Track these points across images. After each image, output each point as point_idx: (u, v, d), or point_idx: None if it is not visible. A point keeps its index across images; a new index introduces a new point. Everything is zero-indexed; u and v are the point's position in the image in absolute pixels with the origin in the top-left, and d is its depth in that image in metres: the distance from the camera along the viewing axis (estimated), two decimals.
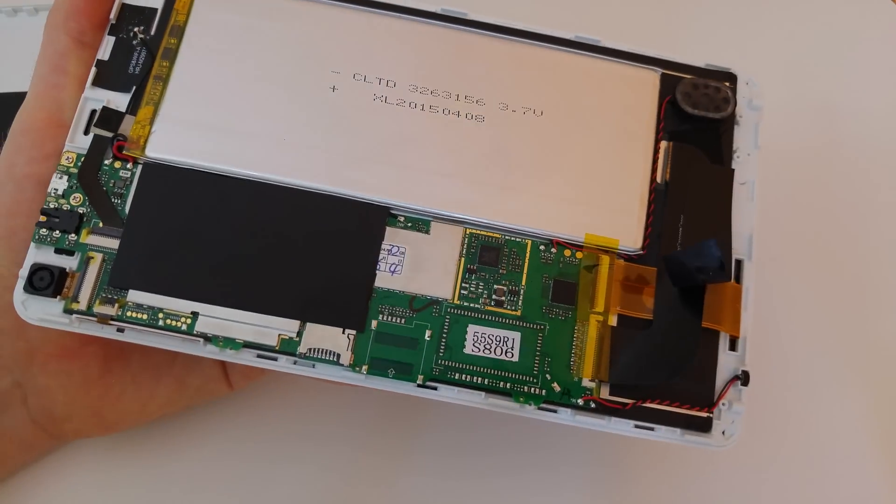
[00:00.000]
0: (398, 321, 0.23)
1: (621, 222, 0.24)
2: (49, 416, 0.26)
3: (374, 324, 0.23)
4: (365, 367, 0.23)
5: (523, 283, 0.24)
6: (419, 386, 0.23)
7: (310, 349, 0.23)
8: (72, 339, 0.26)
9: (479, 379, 0.23)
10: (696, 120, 0.26)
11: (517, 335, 0.23)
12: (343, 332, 0.23)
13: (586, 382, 0.23)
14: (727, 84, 0.26)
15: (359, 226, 0.24)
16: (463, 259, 0.24)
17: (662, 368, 0.23)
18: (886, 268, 0.35)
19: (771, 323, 0.33)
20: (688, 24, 0.38)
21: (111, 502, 0.29)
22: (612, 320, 0.24)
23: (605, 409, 0.23)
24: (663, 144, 0.26)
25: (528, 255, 0.24)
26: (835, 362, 0.33)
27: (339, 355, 0.23)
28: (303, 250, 0.24)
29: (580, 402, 0.23)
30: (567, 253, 0.24)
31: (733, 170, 0.25)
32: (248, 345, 0.23)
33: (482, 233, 0.24)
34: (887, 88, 0.39)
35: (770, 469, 0.31)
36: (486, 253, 0.24)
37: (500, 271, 0.24)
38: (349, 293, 0.23)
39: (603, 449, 0.31)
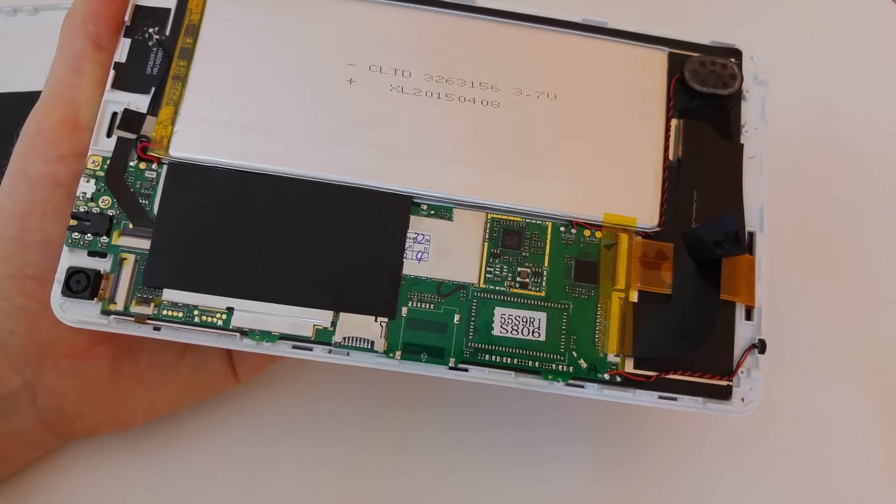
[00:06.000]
0: (427, 307, 0.24)
1: (637, 200, 0.25)
2: (59, 415, 0.27)
3: (404, 310, 0.24)
4: (398, 353, 0.24)
5: (546, 264, 0.25)
6: (451, 368, 0.24)
7: (344, 338, 0.24)
8: (82, 339, 0.26)
9: (509, 359, 0.24)
10: (705, 97, 0.26)
11: (543, 315, 0.24)
12: (375, 320, 0.24)
13: (611, 357, 0.24)
14: (733, 60, 0.27)
15: (383, 216, 0.25)
16: (486, 244, 0.25)
17: (684, 340, 0.24)
18: (887, 267, 0.36)
19: (779, 316, 0.32)
20: (689, 27, 0.38)
21: (112, 498, 0.29)
22: (634, 296, 0.24)
23: (630, 382, 0.24)
24: (674, 122, 0.26)
25: (549, 236, 0.25)
26: (838, 367, 0.34)
27: (372, 342, 0.24)
28: (331, 242, 0.24)
29: (606, 376, 0.24)
30: (587, 233, 0.25)
31: (742, 144, 0.26)
32: (284, 337, 0.24)
33: (503, 217, 0.25)
34: (887, 88, 0.39)
35: (775, 439, 0.32)
36: (509, 237, 0.25)
37: (523, 254, 0.25)
38: (379, 282, 0.24)
39: (607, 420, 0.32)
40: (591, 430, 0.31)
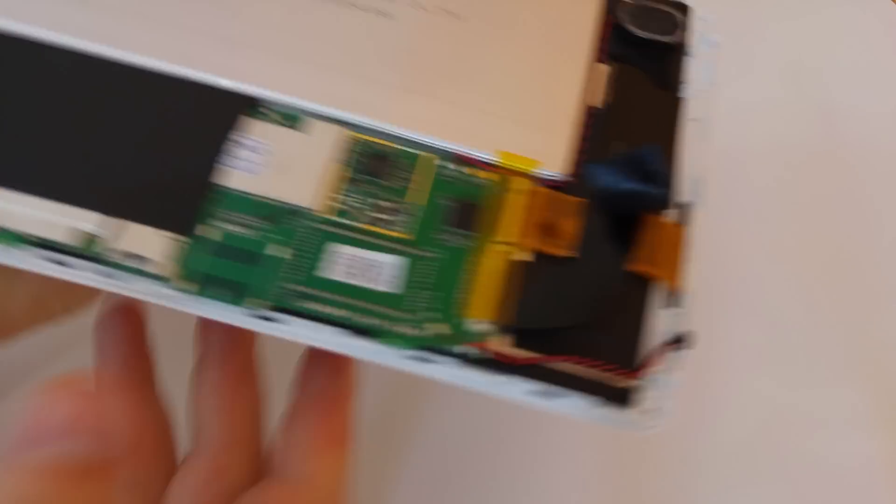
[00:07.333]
0: (245, 231, 0.18)
1: (545, 142, 0.20)
2: None
3: (211, 231, 0.18)
4: (192, 284, 0.17)
5: (415, 200, 0.19)
6: (255, 317, 0.17)
7: (120, 253, 0.17)
8: None
9: (339, 311, 0.17)
10: (642, 42, 0.21)
11: (396, 260, 0.18)
12: (168, 237, 0.18)
13: (479, 325, 0.17)
14: (680, 12, 0.22)
15: (209, 114, 0.19)
16: (342, 165, 0.19)
17: (577, 309, 0.17)
18: (888, 267, 0.35)
19: (778, 316, 0.32)
20: None
21: None
22: (523, 255, 0.18)
23: (499, 364, 0.17)
24: (604, 63, 0.21)
25: (424, 168, 0.19)
26: (830, 360, 0.32)
27: (158, 265, 0.17)
28: (133, 134, 0.18)
29: (468, 350, 0.17)
30: (474, 171, 0.19)
31: (682, 98, 0.21)
32: (34, 243, 0.17)
33: (370, 138, 0.19)
34: (887, 89, 0.38)
35: (774, 439, 0.30)
36: (372, 161, 0.19)
37: (387, 184, 0.19)
38: (183, 188, 0.18)
39: None
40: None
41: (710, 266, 0.31)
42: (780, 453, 0.30)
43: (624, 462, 0.29)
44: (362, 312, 0.17)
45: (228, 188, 0.18)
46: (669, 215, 0.19)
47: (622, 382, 0.17)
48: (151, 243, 0.17)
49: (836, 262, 0.34)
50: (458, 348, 0.17)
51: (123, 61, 0.19)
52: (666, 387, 0.17)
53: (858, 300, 0.34)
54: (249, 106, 0.19)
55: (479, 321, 0.17)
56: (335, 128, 0.19)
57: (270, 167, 0.19)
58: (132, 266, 0.17)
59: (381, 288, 0.18)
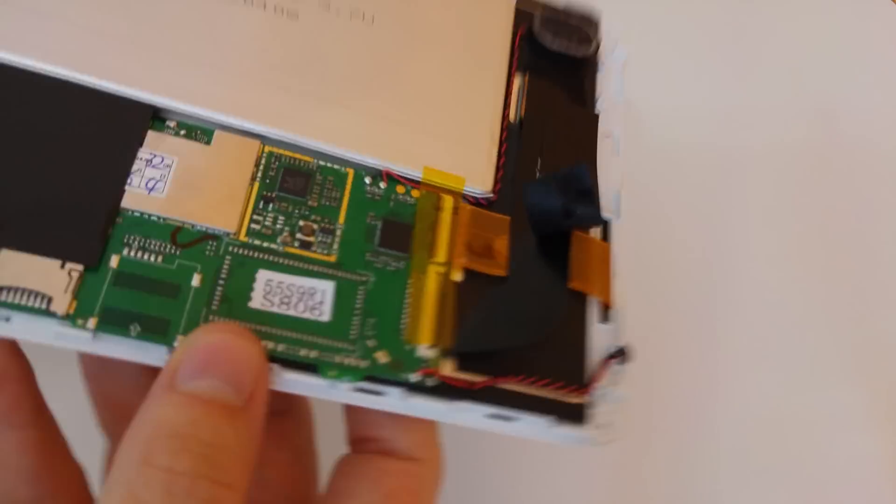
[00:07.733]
0: (152, 259, 0.16)
1: (468, 159, 0.19)
2: None
3: (114, 260, 0.16)
4: (92, 321, 0.15)
5: (341, 220, 0.17)
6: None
7: (4, 289, 0.15)
8: None
9: (272, 345, 0.16)
10: (555, 56, 0.22)
11: (329, 286, 0.17)
12: (63, 267, 0.15)
13: (423, 351, 0.17)
14: (591, 25, 0.22)
15: (110, 125, 0.17)
16: (258, 183, 0.17)
17: (519, 329, 0.17)
18: (888, 267, 0.35)
19: (777, 316, 0.32)
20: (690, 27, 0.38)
21: None
22: (457, 275, 0.18)
23: (447, 388, 0.16)
24: (518, 78, 0.21)
25: (348, 186, 0.18)
26: (830, 360, 0.32)
27: (50, 299, 0.15)
28: (22, 148, 0.16)
29: (413, 377, 0.16)
30: (400, 189, 0.18)
31: (598, 114, 0.21)
32: None
33: (287, 153, 0.18)
34: (887, 89, 0.38)
35: (774, 439, 0.30)
36: (291, 178, 0.18)
37: (310, 203, 0.17)
38: (82, 211, 0.16)
39: None
40: None
41: (710, 266, 0.32)
42: (781, 453, 0.30)
43: (624, 461, 0.29)
44: (300, 344, 0.16)
45: (131, 211, 0.16)
46: (593, 232, 0.19)
47: (575, 399, 0.17)
48: (46, 275, 0.15)
49: (836, 263, 0.34)
50: (405, 376, 0.16)
51: (11, 64, 0.16)
52: (614, 400, 0.18)
53: (858, 300, 0.33)
54: (154, 118, 0.17)
55: (422, 346, 0.17)
56: (249, 142, 0.18)
57: (179, 186, 0.17)
58: (21, 303, 0.15)
59: (318, 316, 0.16)
